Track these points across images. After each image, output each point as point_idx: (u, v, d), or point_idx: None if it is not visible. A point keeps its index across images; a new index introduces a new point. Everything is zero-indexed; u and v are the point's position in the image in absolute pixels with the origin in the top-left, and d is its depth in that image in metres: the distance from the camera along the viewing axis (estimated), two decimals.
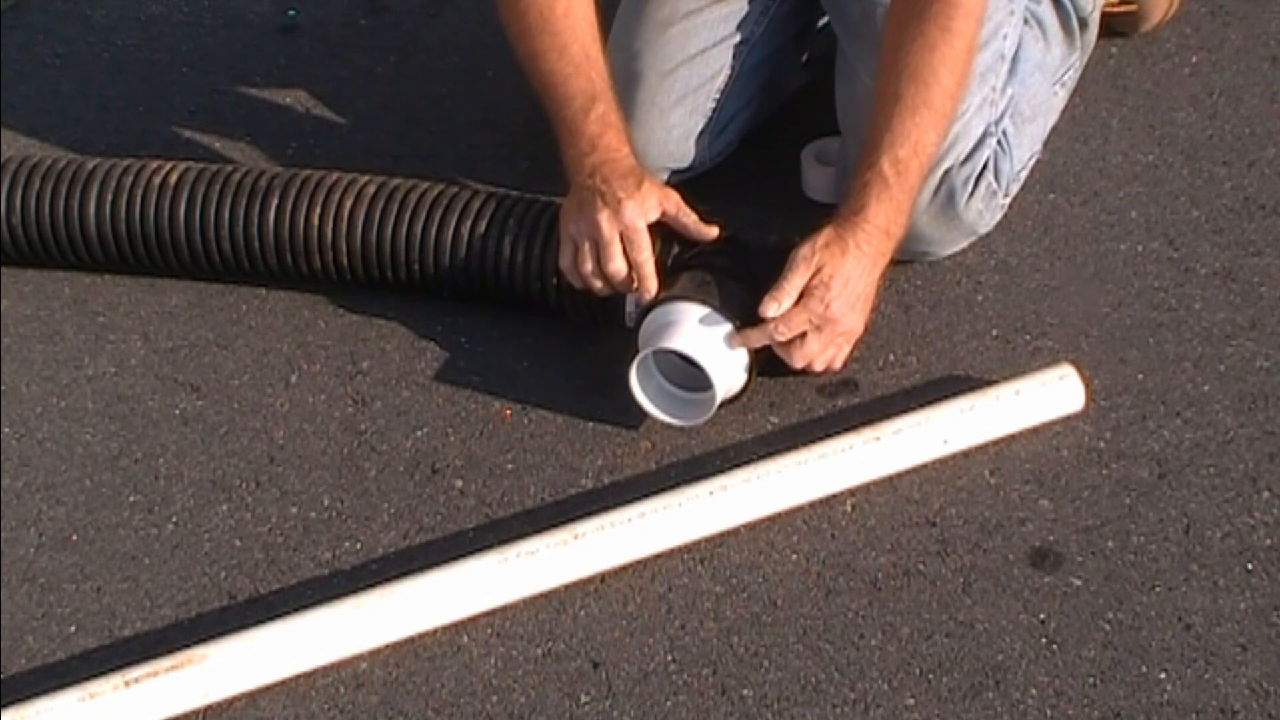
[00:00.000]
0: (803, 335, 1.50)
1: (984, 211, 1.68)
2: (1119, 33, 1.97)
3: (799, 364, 1.52)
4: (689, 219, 1.56)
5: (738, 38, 1.78)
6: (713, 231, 1.56)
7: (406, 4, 2.25)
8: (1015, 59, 1.71)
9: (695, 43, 1.76)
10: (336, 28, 2.22)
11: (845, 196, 1.54)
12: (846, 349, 1.55)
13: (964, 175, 1.64)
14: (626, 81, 1.70)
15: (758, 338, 1.50)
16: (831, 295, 1.48)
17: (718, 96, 1.78)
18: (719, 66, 1.77)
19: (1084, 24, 1.80)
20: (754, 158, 1.84)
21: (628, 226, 1.51)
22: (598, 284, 1.56)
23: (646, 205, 1.52)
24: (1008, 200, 1.73)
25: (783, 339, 1.50)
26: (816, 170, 1.79)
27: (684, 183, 1.79)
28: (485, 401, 1.63)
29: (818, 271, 1.49)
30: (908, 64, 1.51)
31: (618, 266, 1.53)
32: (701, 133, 1.77)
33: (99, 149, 1.99)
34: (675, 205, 1.55)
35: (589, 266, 1.54)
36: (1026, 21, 1.74)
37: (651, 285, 1.53)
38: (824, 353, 1.53)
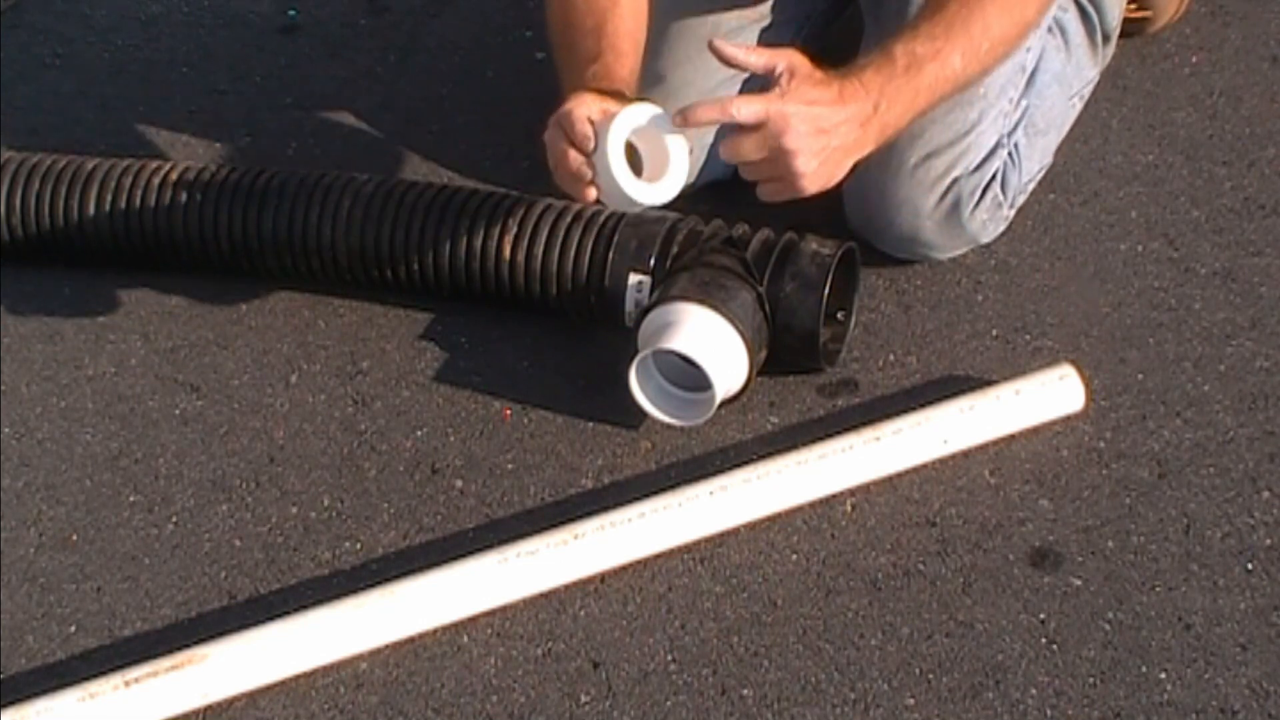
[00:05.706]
0: (753, 138, 1.35)
1: (988, 222, 1.68)
2: (1125, 33, 1.96)
3: (733, 159, 1.37)
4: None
5: None
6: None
7: (406, 4, 2.25)
8: (1035, 70, 1.70)
9: None
10: (336, 28, 2.22)
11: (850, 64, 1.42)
12: (787, 194, 1.39)
13: (971, 185, 1.63)
14: (666, 96, 1.65)
15: (706, 111, 1.36)
16: (791, 111, 1.33)
17: None
18: (753, 85, 1.76)
19: (1107, 38, 1.79)
20: None
21: (562, 115, 1.40)
22: (574, 184, 1.42)
23: (582, 99, 1.41)
24: (1013, 212, 1.72)
25: (737, 116, 1.34)
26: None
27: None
28: (485, 401, 1.63)
29: (791, 73, 1.36)
30: None
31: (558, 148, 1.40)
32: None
33: (99, 149, 1.99)
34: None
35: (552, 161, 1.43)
36: (1050, 30, 1.72)
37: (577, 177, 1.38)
38: (765, 173, 1.38)
